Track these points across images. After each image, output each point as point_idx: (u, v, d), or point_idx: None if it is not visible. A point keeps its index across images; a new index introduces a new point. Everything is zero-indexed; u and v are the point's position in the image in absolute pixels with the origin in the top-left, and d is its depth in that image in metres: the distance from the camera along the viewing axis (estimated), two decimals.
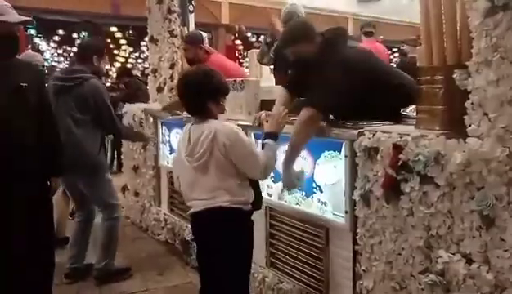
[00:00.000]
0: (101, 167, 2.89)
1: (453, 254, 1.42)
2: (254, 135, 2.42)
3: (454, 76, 1.45)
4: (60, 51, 9.62)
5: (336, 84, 1.88)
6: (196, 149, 1.84)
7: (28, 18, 2.14)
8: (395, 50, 8.26)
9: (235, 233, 1.84)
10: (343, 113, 2.04)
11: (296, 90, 2.17)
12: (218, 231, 1.84)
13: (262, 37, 3.64)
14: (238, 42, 8.70)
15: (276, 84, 3.24)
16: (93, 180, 2.82)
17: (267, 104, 2.62)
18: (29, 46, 8.58)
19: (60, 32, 9.19)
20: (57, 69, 8.52)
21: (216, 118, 1.90)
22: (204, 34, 3.47)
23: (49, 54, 9.71)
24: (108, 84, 8.20)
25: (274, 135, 1.95)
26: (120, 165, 6.57)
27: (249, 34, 8.28)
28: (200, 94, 1.87)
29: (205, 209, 1.84)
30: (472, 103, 1.36)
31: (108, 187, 2.91)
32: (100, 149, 2.85)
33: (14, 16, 2.02)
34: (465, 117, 1.38)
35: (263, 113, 2.30)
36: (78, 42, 9.48)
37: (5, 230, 1.93)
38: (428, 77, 1.60)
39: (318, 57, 2.02)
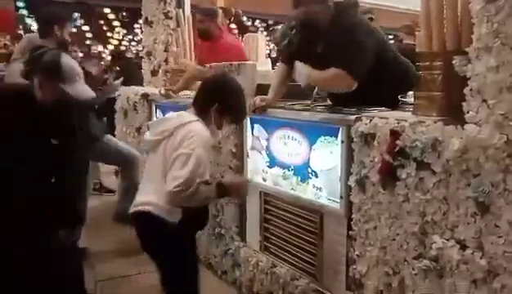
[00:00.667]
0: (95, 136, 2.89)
1: (447, 240, 1.43)
2: (250, 119, 2.40)
3: (453, 62, 1.44)
4: (40, 37, 9.46)
5: (368, 49, 1.92)
6: (162, 124, 1.81)
7: None
8: (390, 37, 8.21)
9: (161, 244, 1.76)
10: (343, 98, 2.03)
11: (299, 56, 2.12)
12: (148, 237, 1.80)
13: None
14: (233, 26, 8.60)
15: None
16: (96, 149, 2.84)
17: (263, 89, 2.60)
18: (21, 27, 8.42)
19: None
20: None
21: (207, 126, 1.82)
22: (220, 12, 3.42)
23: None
24: (102, 64, 8.08)
25: (223, 194, 1.83)
26: None
27: (244, 18, 8.18)
28: (216, 97, 1.84)
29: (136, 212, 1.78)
30: (471, 89, 1.35)
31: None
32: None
33: None
34: (464, 103, 1.37)
35: (258, 99, 2.29)
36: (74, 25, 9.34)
37: None
38: (427, 63, 1.58)
39: (335, 20, 2.02)
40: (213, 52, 3.18)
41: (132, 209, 1.80)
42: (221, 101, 1.83)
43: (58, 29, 2.76)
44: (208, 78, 1.95)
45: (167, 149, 1.74)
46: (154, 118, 3.52)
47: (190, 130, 1.74)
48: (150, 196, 1.75)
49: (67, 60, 1.80)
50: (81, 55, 4.20)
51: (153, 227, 1.75)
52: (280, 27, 3.60)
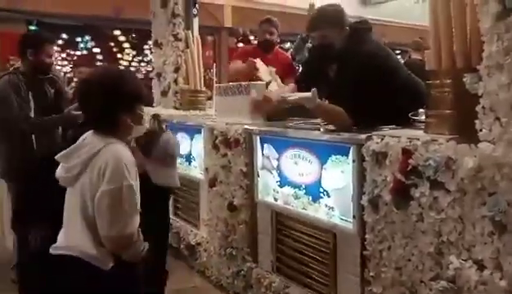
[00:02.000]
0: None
1: (464, 260, 1.40)
2: (260, 139, 2.41)
3: (464, 79, 1.44)
4: (64, 55, 9.63)
5: (372, 95, 1.89)
6: (73, 156, 1.51)
7: None
8: (398, 52, 8.24)
9: None
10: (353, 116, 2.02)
11: (311, 79, 2.12)
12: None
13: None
14: (241, 44, 8.70)
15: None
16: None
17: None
18: None
19: (64, 36, 9.21)
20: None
21: (130, 133, 1.58)
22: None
23: (53, 58, 9.73)
24: None
25: None
26: None
27: (251, 37, 8.28)
28: (109, 102, 1.51)
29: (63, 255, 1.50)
30: (483, 107, 1.34)
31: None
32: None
33: None
34: (476, 121, 1.36)
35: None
36: (81, 46, 9.50)
37: None
38: (437, 81, 1.58)
39: (347, 48, 2.02)
40: (272, 63, 3.11)
41: (56, 251, 1.52)
42: (122, 102, 1.53)
43: (31, 54, 2.75)
44: (83, 94, 1.61)
45: (84, 188, 1.48)
46: None
47: (107, 159, 1.46)
48: (73, 239, 1.50)
49: None
50: None
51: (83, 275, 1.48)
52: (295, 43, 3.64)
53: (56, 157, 1.55)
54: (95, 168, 1.47)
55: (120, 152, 1.49)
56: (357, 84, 1.93)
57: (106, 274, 1.48)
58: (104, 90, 1.51)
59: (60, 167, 1.57)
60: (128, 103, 1.55)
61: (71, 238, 1.52)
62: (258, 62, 2.93)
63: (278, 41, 3.37)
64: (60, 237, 1.56)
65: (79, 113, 2.93)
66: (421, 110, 1.97)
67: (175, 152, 2.01)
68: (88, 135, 1.56)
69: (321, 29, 2.11)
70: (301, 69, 2.38)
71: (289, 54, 3.47)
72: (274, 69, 2.92)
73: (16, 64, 2.91)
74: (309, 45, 3.28)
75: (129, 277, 1.56)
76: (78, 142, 1.56)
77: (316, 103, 1.92)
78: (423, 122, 1.74)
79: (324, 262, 2.07)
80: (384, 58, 2.05)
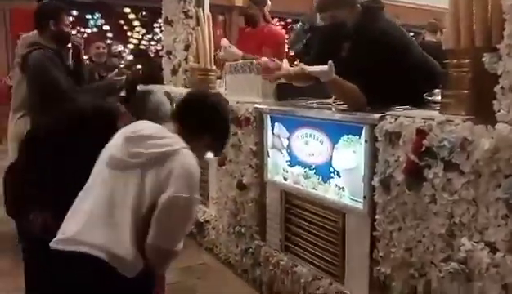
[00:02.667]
0: None
1: (476, 242, 1.39)
2: (271, 118, 2.39)
3: (483, 59, 1.40)
4: (74, 33, 9.62)
5: (386, 72, 1.85)
6: (143, 143, 1.37)
7: None
8: (411, 34, 8.08)
9: None
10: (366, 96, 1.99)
11: (323, 60, 2.07)
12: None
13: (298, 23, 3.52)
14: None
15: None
16: None
17: (283, 88, 2.59)
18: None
19: (74, 13, 9.16)
20: None
21: (198, 157, 1.50)
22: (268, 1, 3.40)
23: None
24: (122, 65, 8.19)
25: None
26: None
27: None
28: (211, 127, 1.55)
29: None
30: (502, 87, 1.31)
31: None
32: None
33: None
34: (494, 102, 1.33)
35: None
36: (91, 23, 9.45)
37: None
38: (455, 61, 1.54)
39: (360, 25, 1.98)
40: (255, 39, 3.16)
41: (68, 246, 1.30)
42: (213, 134, 1.56)
43: (53, 24, 2.70)
44: (205, 100, 1.59)
45: (147, 182, 1.34)
46: None
47: (184, 163, 1.36)
48: (103, 236, 1.30)
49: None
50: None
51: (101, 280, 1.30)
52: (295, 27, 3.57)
53: (123, 131, 1.43)
54: (165, 168, 1.33)
55: (194, 162, 1.41)
56: (370, 61, 1.89)
57: (125, 280, 1.31)
58: (216, 119, 1.57)
59: (120, 146, 1.39)
60: (213, 141, 1.58)
61: (97, 235, 1.29)
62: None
63: (264, 15, 3.29)
64: (73, 228, 1.33)
65: (121, 78, 3.06)
66: (436, 91, 1.94)
67: (167, 112, 1.96)
68: (162, 130, 1.45)
69: (332, 10, 2.07)
70: (299, 51, 2.35)
71: (280, 30, 3.39)
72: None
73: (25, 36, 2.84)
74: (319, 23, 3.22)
75: (147, 285, 1.43)
76: (149, 130, 1.43)
77: (332, 77, 1.89)
78: (438, 102, 1.71)
79: (333, 242, 2.07)
80: (397, 36, 2.01)
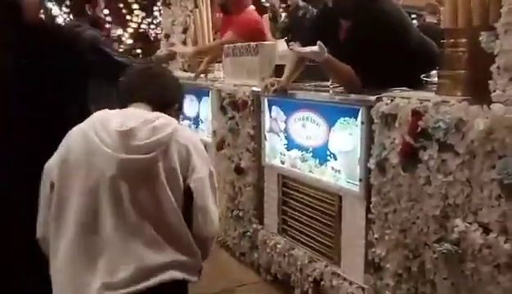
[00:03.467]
0: None
1: (470, 223, 1.38)
2: (268, 101, 2.38)
3: (480, 38, 1.37)
4: (72, 17, 9.54)
5: (382, 54, 1.83)
6: (139, 134, 1.16)
7: None
8: (413, 16, 7.96)
9: None
10: (362, 77, 1.97)
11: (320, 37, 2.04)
12: None
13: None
14: (251, 6, 8.49)
15: None
16: None
17: (281, 70, 2.56)
18: (42, 11, 8.51)
19: None
20: None
21: None
22: None
23: (62, 19, 9.64)
24: (121, 49, 8.14)
25: None
26: None
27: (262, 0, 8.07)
28: (177, 96, 1.46)
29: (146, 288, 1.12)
30: (498, 67, 1.29)
31: None
32: None
33: None
34: (490, 82, 1.31)
35: (271, 81, 2.25)
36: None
37: None
38: (452, 40, 1.52)
39: (359, 7, 1.96)
40: (231, 26, 3.12)
41: (142, 282, 1.12)
42: (179, 103, 1.48)
43: (89, 8, 2.73)
44: (165, 73, 1.51)
45: (161, 175, 1.16)
46: None
47: (186, 137, 1.25)
48: (162, 253, 1.16)
49: None
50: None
51: None
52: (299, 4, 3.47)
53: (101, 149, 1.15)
54: (174, 152, 1.19)
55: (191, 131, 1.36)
56: (369, 41, 1.86)
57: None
58: (179, 86, 1.48)
59: (110, 142, 1.15)
60: (178, 109, 1.47)
61: (158, 255, 1.15)
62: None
63: (237, 1, 3.19)
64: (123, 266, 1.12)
65: (167, 53, 3.12)
66: (434, 72, 1.92)
67: None
68: (139, 110, 1.28)
69: None
70: (308, 31, 2.29)
71: (253, 17, 3.29)
72: None
73: None
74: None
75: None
76: (139, 113, 1.25)
77: (325, 56, 1.87)
78: (435, 83, 1.69)
79: (329, 224, 2.07)
80: (397, 16, 1.98)
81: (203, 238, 1.24)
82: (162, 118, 1.25)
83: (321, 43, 1.84)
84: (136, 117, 1.22)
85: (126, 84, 1.42)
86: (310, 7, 3.03)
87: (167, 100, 1.40)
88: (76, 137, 1.20)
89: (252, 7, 3.26)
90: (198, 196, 1.21)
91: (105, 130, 1.17)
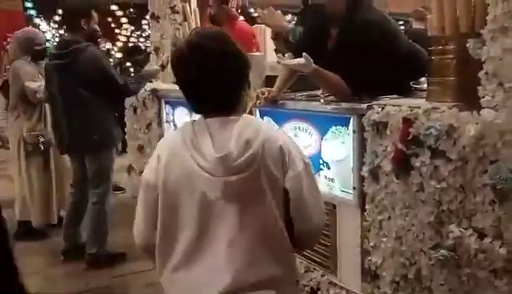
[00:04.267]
0: (111, 142, 2.82)
1: (465, 229, 1.39)
2: (260, 112, 2.38)
3: (467, 45, 1.39)
4: (62, 32, 9.51)
5: (372, 68, 1.84)
6: (234, 153, 1.09)
7: None
8: (401, 23, 8.06)
9: None
10: (353, 85, 1.98)
11: (309, 50, 2.03)
12: None
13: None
14: (241, 18, 8.54)
15: None
16: (99, 155, 2.75)
17: (272, 80, 2.57)
18: (30, 27, 8.48)
19: (61, 12, 9.06)
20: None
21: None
22: None
23: (50, 34, 9.62)
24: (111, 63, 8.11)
25: None
26: (124, 145, 6.55)
27: (251, 10, 8.12)
28: (239, 76, 1.17)
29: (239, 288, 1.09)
30: (486, 73, 1.30)
31: (110, 166, 2.82)
32: (111, 123, 2.80)
33: None
34: (479, 87, 1.32)
35: (262, 91, 2.26)
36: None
37: None
38: (440, 48, 1.54)
39: (347, 15, 1.99)
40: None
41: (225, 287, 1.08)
42: (247, 77, 1.20)
43: (85, 23, 2.69)
44: (227, 48, 1.15)
45: (263, 181, 1.11)
46: (164, 114, 3.51)
47: (275, 137, 1.16)
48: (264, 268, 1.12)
49: None
50: None
51: None
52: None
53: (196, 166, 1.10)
54: (272, 154, 1.12)
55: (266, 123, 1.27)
56: (352, 49, 1.88)
57: None
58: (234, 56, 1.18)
59: (209, 158, 1.09)
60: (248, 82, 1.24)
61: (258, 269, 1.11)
62: None
63: (228, 13, 3.21)
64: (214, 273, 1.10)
65: (157, 68, 3.24)
66: (423, 79, 1.93)
67: None
68: (212, 128, 1.15)
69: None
70: (298, 40, 2.31)
71: (245, 28, 3.28)
72: None
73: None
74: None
75: None
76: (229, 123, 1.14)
77: (312, 67, 1.88)
78: (425, 90, 1.70)
79: (324, 234, 2.06)
80: (381, 24, 2.00)
81: (304, 234, 1.21)
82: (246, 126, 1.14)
83: (307, 55, 1.86)
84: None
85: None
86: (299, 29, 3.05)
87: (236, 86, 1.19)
88: (171, 155, 1.15)
89: (241, 18, 3.27)
90: (294, 195, 1.16)
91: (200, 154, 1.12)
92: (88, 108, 2.66)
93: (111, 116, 2.84)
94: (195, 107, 1.21)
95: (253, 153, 1.10)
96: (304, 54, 1.84)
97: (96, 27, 2.79)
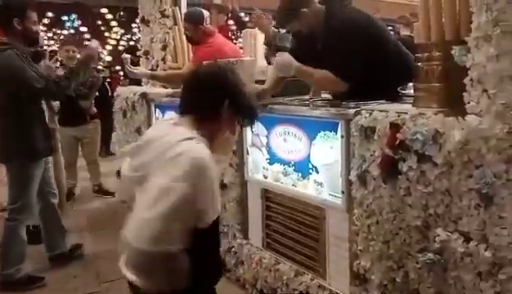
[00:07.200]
0: (27, 155, 2.56)
1: (451, 232, 1.41)
2: None
3: (452, 52, 1.42)
4: (51, 35, 9.44)
5: (359, 55, 1.91)
6: (146, 151, 1.25)
7: None
8: (390, 28, 8.14)
9: None
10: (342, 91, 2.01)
11: (300, 57, 2.06)
12: None
13: None
14: (231, 22, 8.56)
15: None
16: (14, 168, 2.56)
17: (261, 85, 2.58)
18: None
19: (50, 14, 9.01)
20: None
21: (214, 138, 1.34)
22: (206, 13, 3.33)
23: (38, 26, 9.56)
24: (100, 67, 8.06)
25: None
26: (107, 148, 6.52)
27: (241, 14, 8.15)
28: (227, 91, 1.33)
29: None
30: (471, 79, 1.33)
31: (24, 180, 2.56)
32: (31, 133, 2.56)
33: None
34: (464, 94, 1.35)
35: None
36: (68, 24, 9.29)
37: None
38: (426, 54, 1.56)
39: (327, 20, 2.02)
40: (193, 56, 3.15)
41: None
42: (232, 96, 1.33)
43: (19, 23, 2.48)
44: (203, 70, 1.43)
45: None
46: (154, 119, 3.50)
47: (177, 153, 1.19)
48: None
49: None
50: (79, 56, 4.11)
51: None
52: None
53: (128, 148, 1.32)
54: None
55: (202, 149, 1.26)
56: (337, 47, 1.94)
57: None
58: (228, 80, 1.36)
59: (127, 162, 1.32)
60: (235, 106, 1.35)
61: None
62: None
63: (204, 31, 3.18)
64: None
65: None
66: (410, 84, 1.96)
67: None
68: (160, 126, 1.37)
69: (291, 24, 2.11)
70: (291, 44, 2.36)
71: (218, 44, 3.19)
72: None
73: None
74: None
75: None
76: (152, 134, 1.31)
77: (295, 66, 1.93)
78: (412, 96, 1.73)
79: (313, 237, 2.08)
80: (364, 22, 2.04)
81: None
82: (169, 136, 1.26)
83: (278, 59, 1.91)
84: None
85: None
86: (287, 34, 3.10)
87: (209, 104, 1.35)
88: None
89: (217, 36, 3.24)
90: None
91: None
92: (6, 115, 2.50)
93: (35, 124, 2.59)
94: None
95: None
96: (275, 59, 1.90)
97: (33, 28, 2.57)
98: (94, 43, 2.96)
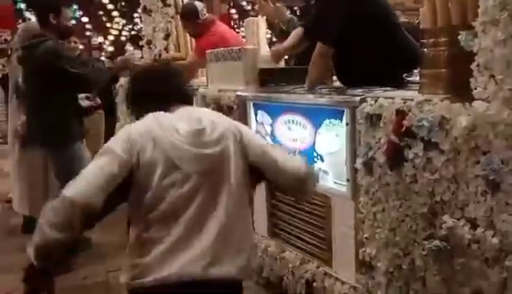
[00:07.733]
0: (68, 140, 2.72)
1: (458, 219, 1.41)
2: (254, 105, 2.38)
3: (459, 37, 1.40)
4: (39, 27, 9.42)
5: (336, 15, 2.00)
6: (207, 130, 1.31)
7: None
8: None
9: None
10: (346, 76, 2.01)
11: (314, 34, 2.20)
12: None
13: None
14: (233, 10, 8.51)
15: None
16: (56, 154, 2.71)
17: (265, 73, 2.57)
18: (20, 21, 8.39)
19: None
20: None
21: None
22: (200, 5, 3.32)
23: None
24: (103, 58, 8.06)
25: None
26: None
27: (244, 3, 8.09)
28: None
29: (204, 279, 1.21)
30: (478, 65, 1.31)
31: (68, 163, 2.61)
32: (69, 119, 2.72)
33: None
34: (471, 79, 1.33)
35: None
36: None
37: None
38: (432, 40, 1.54)
39: None
40: (195, 47, 3.25)
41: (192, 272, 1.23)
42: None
43: (54, 17, 2.68)
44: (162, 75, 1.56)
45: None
46: None
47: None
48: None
49: None
50: (81, 47, 4.10)
51: None
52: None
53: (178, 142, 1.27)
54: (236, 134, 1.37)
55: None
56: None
57: None
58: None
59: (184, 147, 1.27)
60: None
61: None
62: None
63: (203, 24, 3.22)
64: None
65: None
66: (416, 71, 1.94)
67: None
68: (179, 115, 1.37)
69: None
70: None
71: (218, 35, 3.25)
72: None
73: (3, 35, 2.90)
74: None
75: None
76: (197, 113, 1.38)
77: (277, 59, 2.31)
78: (417, 82, 1.71)
79: (319, 226, 2.08)
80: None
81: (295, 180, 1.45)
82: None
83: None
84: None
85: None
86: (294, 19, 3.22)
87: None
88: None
89: (218, 24, 3.25)
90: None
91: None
92: (45, 101, 2.64)
93: (69, 110, 2.74)
94: None
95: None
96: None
97: (68, 23, 2.83)
98: (137, 54, 3.10)
